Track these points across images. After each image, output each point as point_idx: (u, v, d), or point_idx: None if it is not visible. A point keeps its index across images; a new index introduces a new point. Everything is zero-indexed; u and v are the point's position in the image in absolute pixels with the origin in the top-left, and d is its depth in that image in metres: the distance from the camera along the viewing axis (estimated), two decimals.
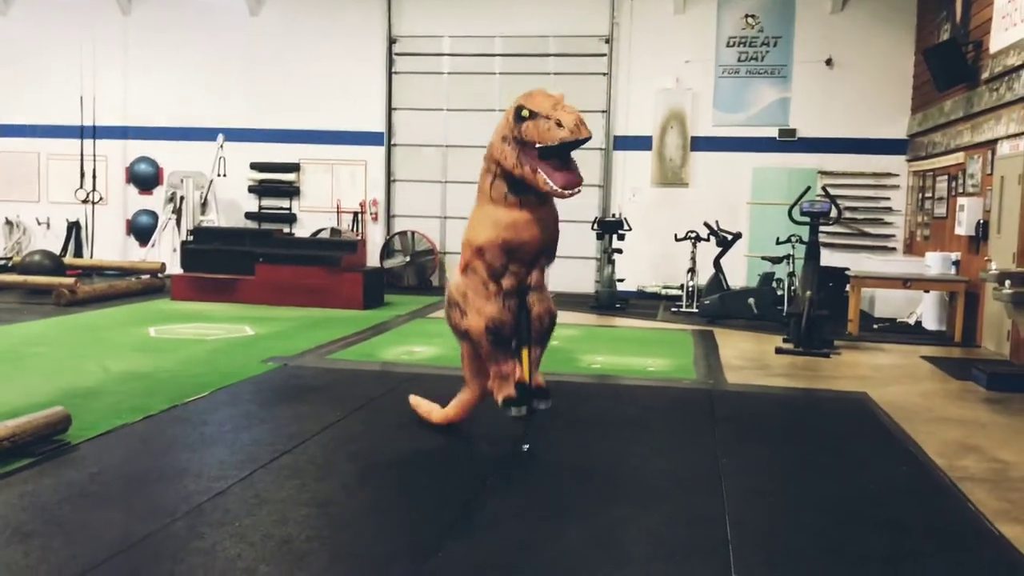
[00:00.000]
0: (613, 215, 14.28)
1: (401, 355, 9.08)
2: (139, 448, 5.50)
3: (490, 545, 4.17)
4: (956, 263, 11.44)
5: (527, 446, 5.56)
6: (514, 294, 5.45)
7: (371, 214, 16.12)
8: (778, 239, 12.52)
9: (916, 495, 5.10)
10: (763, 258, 12.89)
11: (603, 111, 15.16)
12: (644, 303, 14.08)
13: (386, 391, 7.27)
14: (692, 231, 13.19)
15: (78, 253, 16.25)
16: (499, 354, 5.45)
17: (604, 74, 15.16)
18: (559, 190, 5.12)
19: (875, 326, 11.97)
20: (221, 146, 15.19)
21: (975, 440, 6.28)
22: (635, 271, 14.47)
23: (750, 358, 9.47)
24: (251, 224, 16.19)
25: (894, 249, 14.48)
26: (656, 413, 6.89)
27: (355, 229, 16.06)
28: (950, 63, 11.39)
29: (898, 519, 4.68)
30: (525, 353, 5.47)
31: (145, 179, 16.55)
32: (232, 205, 16.22)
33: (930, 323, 11.86)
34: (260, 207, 16.36)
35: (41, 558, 3.84)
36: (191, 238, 13.99)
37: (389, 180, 16.03)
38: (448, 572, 3.85)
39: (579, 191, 5.24)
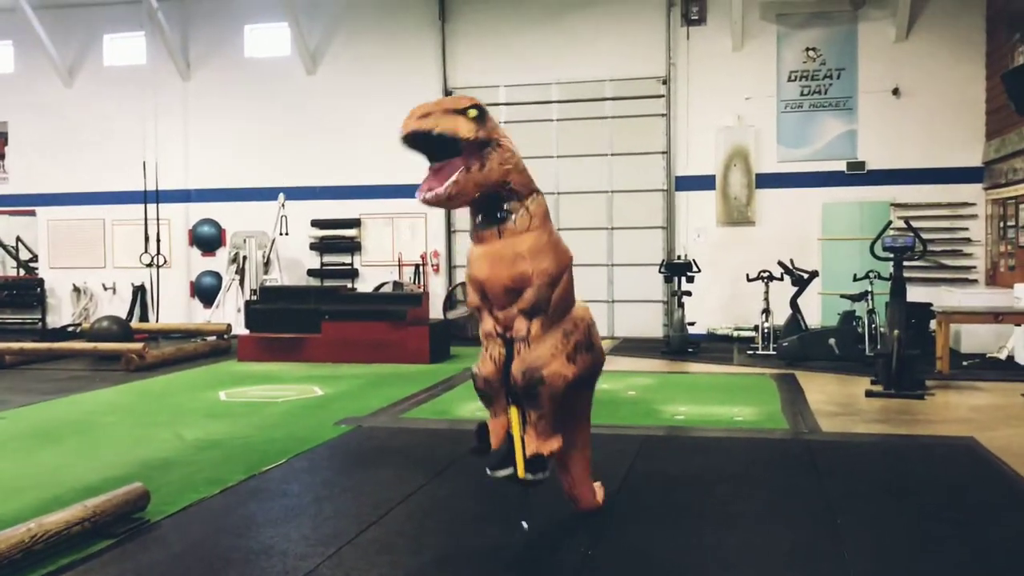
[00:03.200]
0: (679, 256, 13.96)
1: (476, 411, 8.78)
2: (220, 525, 5.28)
3: None
4: None
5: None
6: (497, 341, 4.82)
7: (432, 265, 16.00)
8: (855, 275, 12.07)
9: None
10: (842, 296, 12.44)
11: (663, 152, 14.92)
12: (716, 346, 13.66)
13: (466, 452, 6.98)
14: (765, 270, 12.80)
15: (144, 317, 16.36)
16: (485, 407, 5.00)
17: (663, 115, 14.94)
18: (417, 197, 4.60)
19: (964, 363, 11.42)
20: (282, 205, 15.26)
21: None
22: (704, 313, 14.10)
23: (840, 403, 9.03)
24: (314, 281, 16.19)
25: (976, 281, 13.91)
26: (755, 468, 6.50)
27: (417, 281, 15.94)
28: None
29: None
30: (513, 412, 4.77)
31: (208, 241, 16.67)
32: (294, 263, 16.23)
33: None
34: (322, 263, 16.36)
35: None
36: (256, 298, 13.96)
37: (449, 231, 15.93)
38: None
39: (441, 197, 4.52)
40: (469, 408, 8.99)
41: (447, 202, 4.65)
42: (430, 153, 4.66)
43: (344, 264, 16.37)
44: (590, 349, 4.97)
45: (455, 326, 14.95)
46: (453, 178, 4.53)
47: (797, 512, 5.44)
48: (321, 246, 16.34)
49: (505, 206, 4.74)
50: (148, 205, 16.01)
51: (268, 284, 14.99)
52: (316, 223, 16.21)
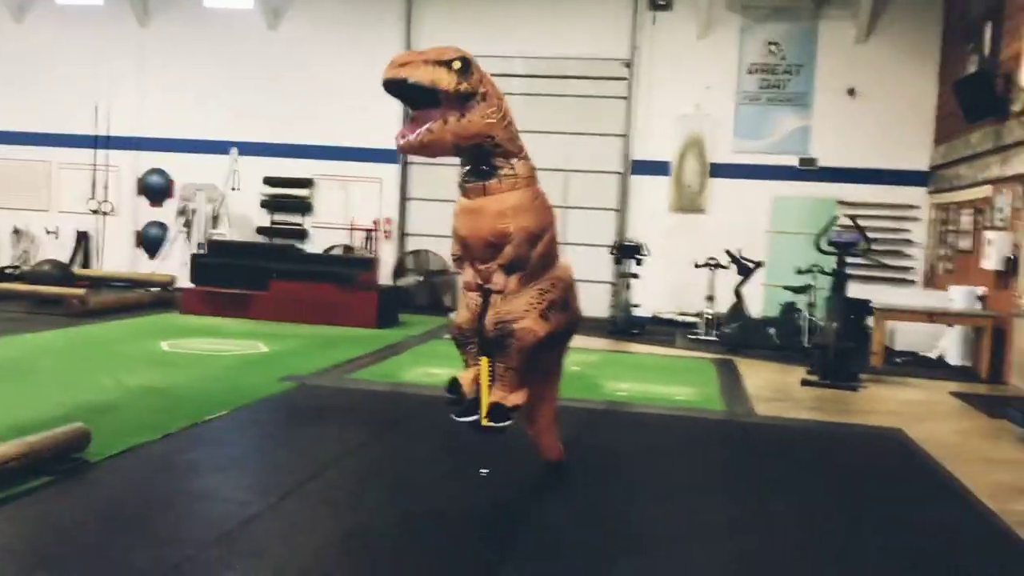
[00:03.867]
0: (629, 240, 14.11)
1: (421, 377, 8.86)
2: (161, 469, 5.28)
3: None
4: (982, 298, 11.26)
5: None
6: (476, 292, 4.98)
7: (384, 232, 15.94)
8: (799, 269, 12.33)
9: (976, 541, 4.89)
10: (784, 288, 12.69)
11: (622, 135, 15.02)
12: (660, 329, 13.87)
13: (409, 414, 7.06)
14: (712, 258, 13.01)
15: (86, 264, 16.06)
16: (460, 352, 5.15)
17: (623, 98, 15.03)
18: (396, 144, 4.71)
19: (897, 360, 11.76)
20: (235, 160, 15.05)
21: None
22: (650, 296, 14.26)
23: (776, 389, 9.26)
24: (262, 239, 16.01)
25: (913, 282, 14.30)
26: (692, 445, 6.68)
27: (368, 247, 15.88)
28: (979, 95, 11.26)
29: (963, 567, 4.47)
30: (483, 362, 4.93)
31: (156, 191, 16.38)
32: (244, 219, 16.03)
33: (954, 358, 11.65)
34: (272, 222, 16.17)
35: None
36: (203, 251, 13.79)
37: (403, 198, 15.87)
38: None
39: (412, 144, 4.62)
40: (415, 373, 9.05)
41: (420, 150, 4.68)
42: (410, 101, 4.70)
43: (295, 224, 16.20)
44: (565, 309, 5.13)
45: (404, 293, 14.95)
46: (426, 127, 4.57)
47: (731, 488, 5.61)
48: (272, 204, 16.15)
49: (491, 159, 4.80)
50: (97, 150, 15.68)
51: (216, 238, 14.80)
52: (268, 180, 16.01)
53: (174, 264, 15.21)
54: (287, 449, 5.85)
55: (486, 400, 4.89)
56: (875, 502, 5.50)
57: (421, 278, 15.41)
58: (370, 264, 13.29)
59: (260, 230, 16.15)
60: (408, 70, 4.51)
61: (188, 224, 15.37)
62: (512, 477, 5.47)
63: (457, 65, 4.59)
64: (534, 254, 4.89)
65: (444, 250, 15.50)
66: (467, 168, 4.89)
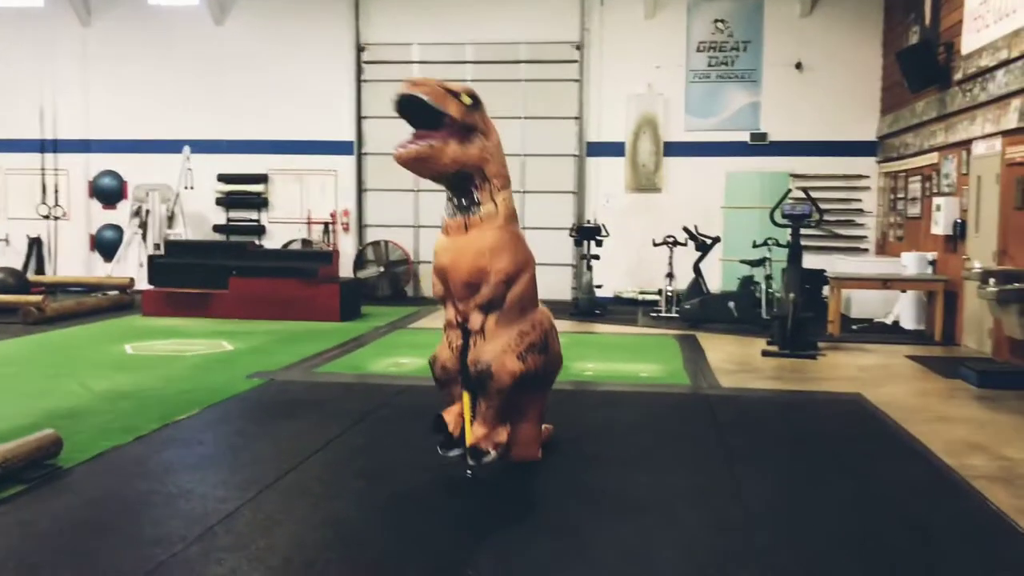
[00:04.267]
0: (588, 221, 14.24)
1: (389, 367, 8.92)
2: (136, 471, 5.29)
3: (517, 560, 4.05)
4: (932, 263, 11.55)
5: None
6: (456, 330, 5.18)
7: (342, 224, 15.90)
8: (754, 242, 12.56)
9: (935, 495, 5.07)
10: (741, 261, 12.92)
11: (575, 117, 15.12)
12: (622, 309, 14.03)
13: (381, 404, 7.11)
14: (670, 236, 13.19)
15: (40, 270, 15.83)
16: (441, 390, 5.38)
17: (576, 80, 15.12)
18: (394, 155, 4.90)
19: (854, 327, 12.04)
20: (187, 158, 14.90)
21: (978, 438, 6.29)
22: (611, 277, 14.41)
23: (738, 361, 9.46)
24: (219, 237, 15.90)
25: (866, 250, 14.61)
26: (660, 420, 6.82)
27: (326, 240, 15.83)
28: (922, 65, 11.52)
29: (922, 520, 4.64)
30: (465, 397, 5.14)
31: (109, 193, 16.17)
32: (199, 218, 15.90)
33: (908, 323, 11.96)
34: (228, 219, 16.06)
35: None
36: (161, 252, 13.67)
37: (360, 190, 15.83)
38: None
39: (411, 154, 4.83)
40: (382, 364, 9.10)
41: (417, 162, 4.89)
42: (415, 121, 4.92)
43: (251, 220, 16.10)
44: (544, 351, 5.29)
45: (365, 286, 14.94)
46: (430, 140, 4.84)
47: (698, 458, 5.75)
48: (227, 201, 16.02)
49: (475, 195, 5.04)
50: (45, 154, 15.43)
51: (172, 239, 14.67)
52: (222, 178, 15.89)
53: (131, 266, 15.07)
54: (261, 445, 5.88)
55: (470, 434, 5.08)
56: (838, 463, 5.68)
57: (382, 269, 15.41)
58: (330, 257, 13.26)
59: (216, 228, 16.03)
60: (423, 90, 4.79)
61: (143, 225, 15.20)
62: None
63: (467, 101, 4.93)
64: (512, 295, 5.10)
65: (403, 240, 15.55)
66: (451, 200, 5.11)
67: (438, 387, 5.41)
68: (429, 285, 15.59)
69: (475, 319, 5.09)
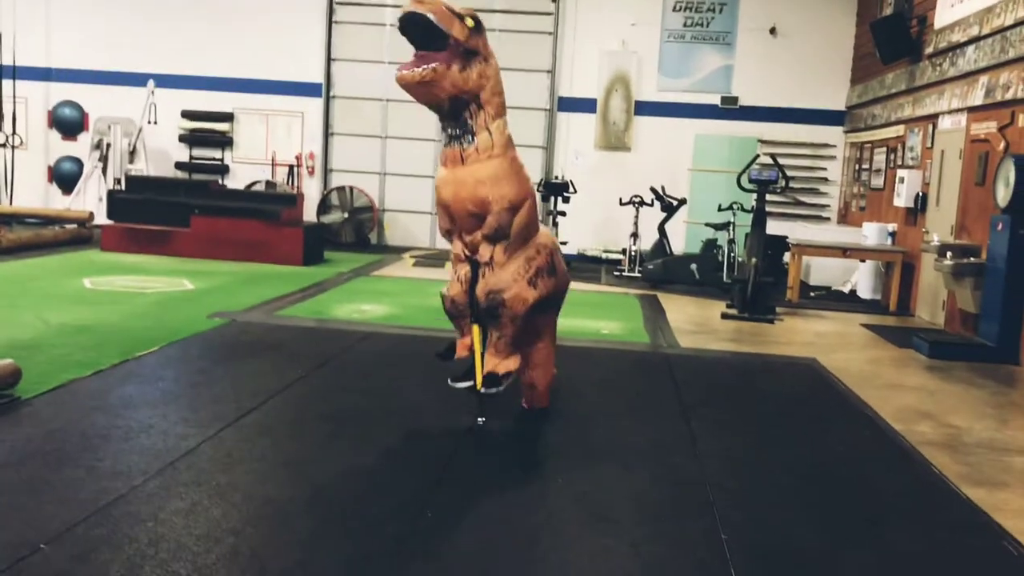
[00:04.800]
0: (556, 177, 14.23)
1: (351, 313, 8.91)
2: (95, 404, 5.26)
3: (475, 505, 4.12)
4: (893, 234, 11.74)
5: (482, 419, 5.26)
6: (464, 263, 5.18)
7: (308, 168, 15.74)
8: (720, 206, 12.66)
9: (881, 458, 5.23)
10: (706, 224, 13.03)
11: (548, 71, 15.04)
12: (585, 266, 14.11)
13: (343, 350, 7.12)
14: (637, 196, 13.24)
15: None
16: (453, 325, 5.40)
17: (549, 33, 15.01)
18: (396, 76, 4.80)
19: (812, 294, 12.24)
20: (152, 92, 14.59)
21: (926, 406, 6.48)
22: (576, 234, 14.46)
23: (697, 322, 9.59)
24: (181, 174, 15.66)
25: (828, 219, 14.80)
26: (620, 376, 6.92)
27: (291, 183, 15.67)
28: (895, 37, 11.59)
29: (869, 481, 4.79)
30: (476, 330, 5.19)
31: (69, 124, 15.82)
32: (162, 154, 15.64)
33: (865, 292, 12.18)
34: (191, 157, 15.82)
35: (14, 517, 3.64)
36: (123, 187, 13.44)
37: (327, 133, 15.66)
38: (442, 531, 3.79)
39: (415, 77, 4.72)
40: (345, 310, 9.09)
41: (419, 86, 4.78)
42: (416, 41, 4.81)
43: (214, 159, 15.88)
44: (552, 274, 5.31)
45: (329, 231, 14.85)
46: (433, 64, 4.73)
47: (655, 414, 5.86)
48: (191, 138, 15.77)
49: (470, 123, 4.95)
50: (3, 80, 15.01)
51: (134, 174, 14.41)
52: (187, 114, 15.62)
53: (90, 200, 14.80)
54: (222, 384, 5.88)
55: (480, 366, 5.13)
56: (791, 425, 5.83)
57: (346, 215, 15.30)
58: (294, 200, 13.15)
59: (179, 165, 15.80)
60: (429, 8, 4.68)
61: (104, 159, 14.92)
62: (449, 407, 5.62)
63: (471, 23, 4.82)
64: (516, 223, 5.05)
65: (369, 187, 15.43)
66: (445, 130, 5.03)
67: (449, 318, 5.38)
68: (393, 233, 15.66)
69: (484, 251, 5.06)
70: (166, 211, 12.43)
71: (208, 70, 15.52)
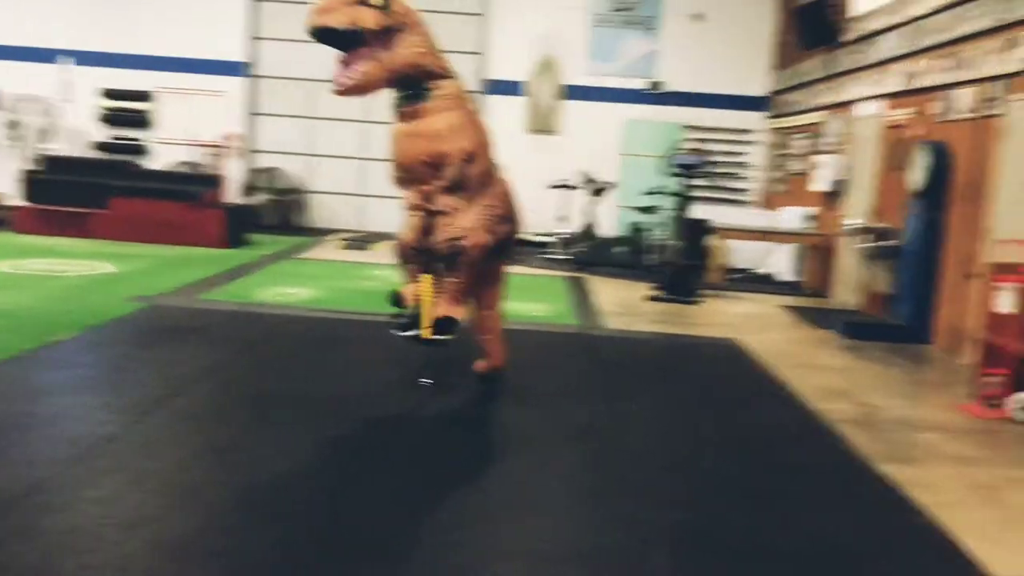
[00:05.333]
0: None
1: (276, 297, 8.79)
2: (10, 391, 5.10)
3: (404, 489, 4.12)
4: (812, 217, 12.03)
5: (428, 381, 5.39)
6: (419, 212, 5.23)
7: (232, 149, 15.42)
8: (646, 190, 12.80)
9: (800, 437, 5.38)
10: (633, 208, 13.17)
11: (476, 53, 14.99)
12: (514, 249, 14.11)
13: (268, 334, 7.03)
14: (565, 179, 13.31)
15: None
16: (403, 272, 5.48)
17: (478, 15, 14.95)
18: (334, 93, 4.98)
19: (734, 276, 12.48)
20: (68, 70, 14.10)
21: (842, 385, 6.68)
22: None
23: (624, 305, 9.71)
24: (100, 155, 15.20)
25: (750, 202, 15.09)
26: (548, 357, 6.98)
27: (214, 164, 15.33)
28: (815, 24, 11.84)
29: (788, 459, 4.94)
30: (426, 279, 5.27)
31: None
32: (79, 134, 15.14)
33: (785, 274, 12.47)
34: (111, 137, 15.36)
35: None
36: (39, 168, 13.00)
37: (251, 113, 15.36)
38: (370, 516, 3.78)
39: (348, 87, 4.89)
40: (269, 293, 8.96)
41: (356, 91, 4.91)
42: (338, 45, 4.85)
43: (135, 139, 15.44)
44: (509, 220, 5.47)
45: (253, 212, 14.59)
46: (359, 68, 4.80)
47: (584, 395, 5.94)
48: (110, 118, 15.30)
49: (423, 84, 5.02)
50: None
51: (51, 154, 13.94)
52: (106, 93, 15.16)
53: (3, 180, 14.25)
54: (143, 369, 5.76)
55: (427, 315, 5.20)
56: (713, 404, 5.96)
57: (272, 197, 15.05)
58: (216, 181, 12.89)
59: (98, 145, 15.32)
60: (329, 16, 4.70)
61: (18, 138, 14.39)
62: (376, 390, 5.61)
63: (378, 2, 4.78)
64: (474, 172, 5.15)
65: (296, 168, 15.20)
66: (399, 95, 5.08)
67: (400, 266, 5.50)
68: (319, 215, 15.46)
69: (441, 200, 5.14)
70: (85, 192, 12.07)
71: (128, 47, 15.08)
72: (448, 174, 5.08)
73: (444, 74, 5.13)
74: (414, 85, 5.03)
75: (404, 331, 5.33)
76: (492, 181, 5.39)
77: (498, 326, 5.84)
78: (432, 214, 5.19)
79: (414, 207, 5.26)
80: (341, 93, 4.89)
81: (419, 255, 5.28)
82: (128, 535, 3.40)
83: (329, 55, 5.00)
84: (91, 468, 4.04)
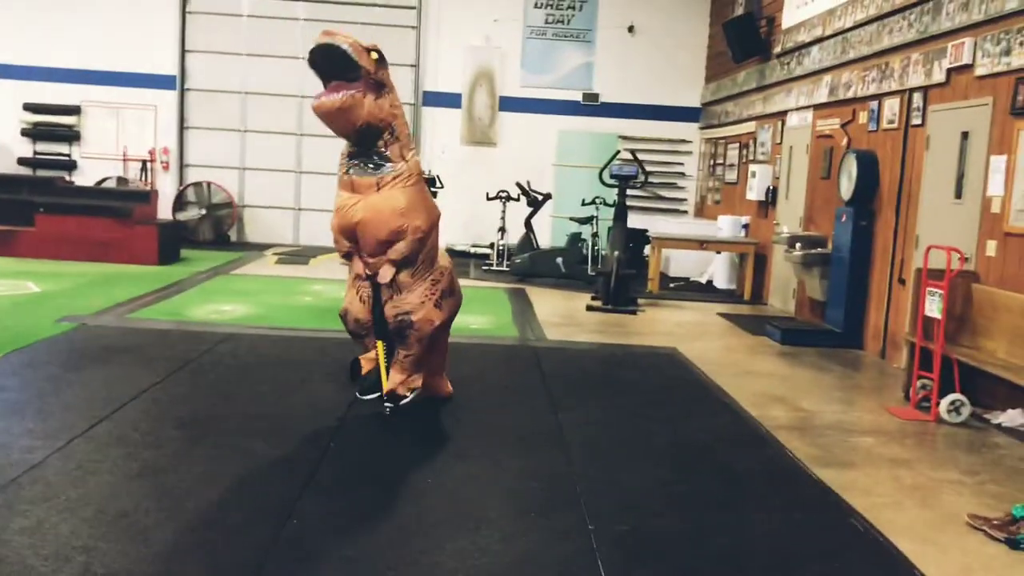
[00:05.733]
0: (423, 172, 14.13)
1: (210, 314, 8.62)
2: None
3: (343, 509, 4.05)
4: (746, 226, 12.23)
5: (389, 406, 5.37)
6: (366, 283, 5.30)
7: (162, 163, 15.13)
8: (583, 201, 12.89)
9: (739, 443, 5.43)
10: (571, 219, 13.23)
11: (412, 65, 14.95)
12: (454, 262, 14.05)
13: (202, 352, 6.87)
14: (503, 191, 13.32)
15: None
16: (356, 343, 5.59)
17: (413, 27, 14.92)
18: (313, 105, 5.02)
19: (671, 285, 12.63)
20: None
21: (779, 391, 6.78)
22: (444, 229, 14.35)
23: (563, 315, 9.73)
24: (24, 170, 14.78)
25: (686, 212, 15.29)
26: (489, 370, 6.94)
27: (144, 179, 15.03)
28: (746, 36, 12.07)
29: (728, 466, 4.98)
30: (380, 345, 5.33)
31: None
32: (2, 149, 14.72)
33: (721, 282, 12.65)
34: (35, 152, 14.97)
35: None
36: None
37: (182, 127, 15.10)
38: (308, 537, 3.71)
39: (336, 103, 4.92)
40: (203, 310, 8.79)
41: (339, 112, 4.94)
42: (328, 74, 5.00)
43: (61, 154, 15.06)
44: (452, 294, 5.57)
45: (185, 228, 14.33)
46: (351, 91, 4.92)
47: (524, 407, 5.92)
48: (35, 133, 14.91)
49: (386, 153, 5.11)
50: None
51: None
52: (29, 107, 14.76)
53: None
54: (72, 392, 5.58)
55: (386, 379, 5.30)
56: (654, 413, 5.98)
57: (204, 212, 14.80)
58: (147, 196, 12.62)
59: (21, 161, 14.93)
60: (343, 40, 4.88)
61: None
62: (314, 410, 5.52)
63: (375, 56, 5.03)
64: (424, 249, 5.26)
65: (227, 181, 14.97)
66: (355, 157, 5.15)
67: (352, 337, 5.56)
68: (253, 230, 15.23)
69: (386, 272, 5.19)
70: (8, 209, 11.73)
71: (53, 61, 14.72)
72: (400, 249, 5.15)
73: (407, 144, 5.24)
74: (374, 148, 5.09)
75: (365, 395, 5.40)
76: (436, 255, 5.48)
77: (445, 388, 5.92)
78: (377, 285, 5.27)
79: (361, 278, 5.31)
80: (321, 108, 4.92)
81: (370, 325, 5.36)
82: (58, 566, 3.28)
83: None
84: (17, 497, 3.89)
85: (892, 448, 5.48)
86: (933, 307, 6.30)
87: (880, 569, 3.78)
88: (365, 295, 5.34)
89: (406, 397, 5.37)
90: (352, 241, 5.25)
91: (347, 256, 5.38)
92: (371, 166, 5.11)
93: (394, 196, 5.10)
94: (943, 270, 6.30)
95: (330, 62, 4.93)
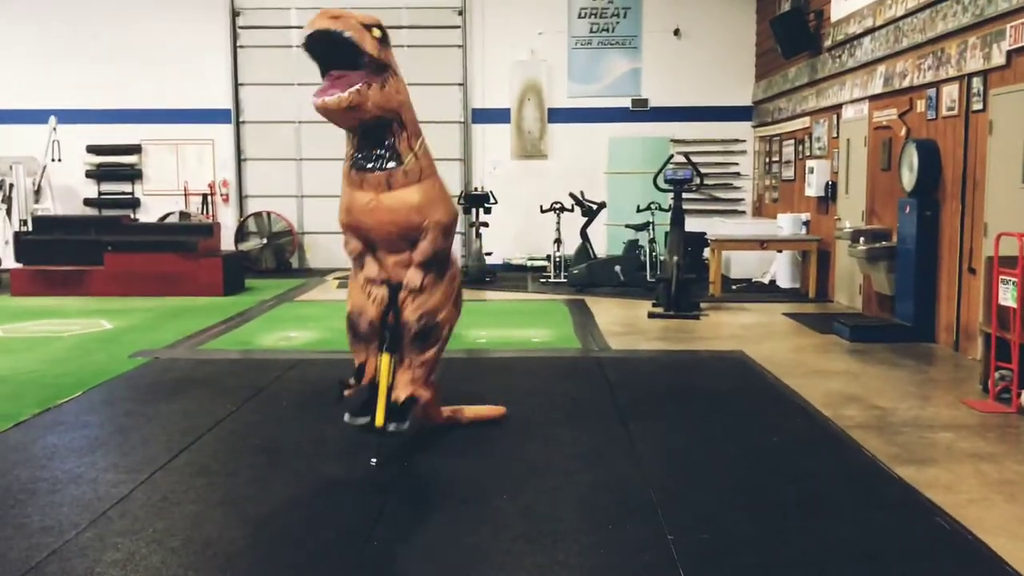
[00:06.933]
0: (476, 188, 14.25)
1: (279, 341, 8.77)
2: (17, 458, 5.06)
3: (421, 529, 4.08)
4: (806, 223, 12.05)
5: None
6: (381, 284, 4.87)
7: (222, 195, 15.45)
8: (638, 207, 12.85)
9: (814, 445, 5.35)
10: (626, 226, 13.20)
11: (460, 84, 15.07)
12: (511, 275, 14.15)
13: (273, 379, 6.99)
14: (557, 202, 13.34)
15: None
16: (355, 348, 5.03)
17: (459, 46, 15.04)
18: (315, 102, 4.46)
19: (733, 287, 12.49)
20: (54, 128, 14.16)
21: (852, 390, 6.65)
22: (500, 243, 14.49)
23: (626, 324, 9.69)
24: (91, 211, 15.22)
25: (743, 212, 15.13)
26: (553, 383, 6.93)
27: (205, 212, 15.37)
28: (794, 32, 11.92)
29: (805, 469, 4.90)
30: (385, 358, 4.86)
31: None
32: (69, 192, 15.17)
33: (784, 281, 12.47)
34: (100, 193, 15.41)
35: None
36: (29, 228, 13.00)
37: (239, 159, 15.40)
38: (389, 559, 3.74)
39: (343, 102, 4.40)
40: (271, 338, 8.94)
41: (343, 112, 4.45)
42: (326, 61, 4.48)
43: (124, 193, 15.48)
44: (459, 301, 5.27)
45: (248, 258, 14.60)
46: (357, 86, 4.38)
47: (591, 419, 5.90)
48: (99, 174, 15.35)
49: (394, 143, 4.65)
50: None
51: (40, 214, 13.95)
52: (92, 149, 15.20)
53: None
54: (151, 425, 5.72)
55: (383, 401, 4.78)
56: (724, 418, 5.92)
57: (265, 241, 15.07)
58: (210, 229, 12.88)
59: (88, 202, 15.37)
60: (341, 24, 4.32)
61: (7, 200, 14.38)
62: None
63: (377, 33, 4.47)
64: (447, 246, 4.91)
65: (285, 210, 15.22)
66: (365, 151, 4.68)
67: (356, 342, 5.01)
68: (314, 256, 15.46)
69: (415, 276, 4.77)
70: (77, 250, 12.07)
71: (112, 103, 15.14)
72: (424, 249, 4.76)
73: (416, 132, 4.80)
74: (382, 140, 4.65)
75: (356, 417, 4.85)
76: (451, 252, 5.11)
77: (435, 400, 5.44)
78: (394, 287, 4.86)
79: (375, 281, 4.88)
80: (329, 107, 4.41)
81: (379, 331, 4.89)
82: None
83: (311, 96, 4.49)
84: (107, 531, 4.00)
85: (974, 442, 5.34)
86: (1008, 295, 6.14)
87: (970, 569, 3.68)
88: (379, 298, 4.86)
89: (407, 414, 4.82)
90: (363, 241, 4.88)
91: (359, 258, 4.94)
92: (379, 161, 4.67)
93: (408, 193, 4.68)
94: (1015, 257, 6.13)
95: (325, 48, 4.40)
